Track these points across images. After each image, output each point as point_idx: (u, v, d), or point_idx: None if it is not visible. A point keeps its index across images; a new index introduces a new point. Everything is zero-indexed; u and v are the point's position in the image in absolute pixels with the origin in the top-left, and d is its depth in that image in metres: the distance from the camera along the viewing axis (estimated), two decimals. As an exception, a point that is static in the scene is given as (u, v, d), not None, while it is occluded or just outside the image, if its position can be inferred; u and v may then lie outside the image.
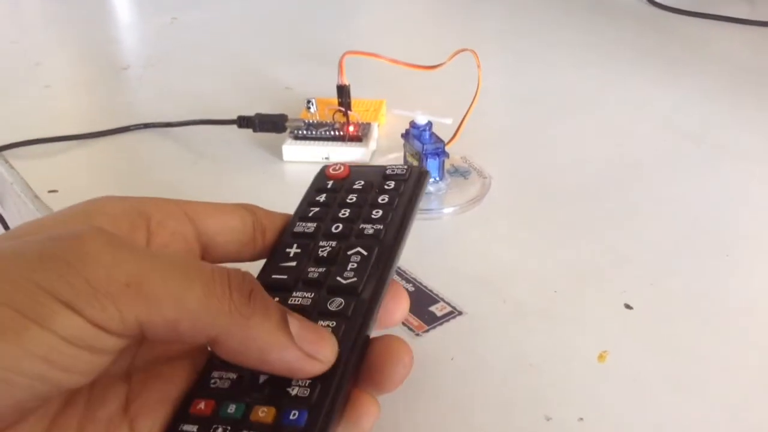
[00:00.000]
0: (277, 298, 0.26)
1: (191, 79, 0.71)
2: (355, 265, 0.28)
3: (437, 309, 0.40)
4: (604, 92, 0.67)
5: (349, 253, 0.29)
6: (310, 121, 0.56)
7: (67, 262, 0.22)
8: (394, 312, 0.28)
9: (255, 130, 0.56)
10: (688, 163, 0.55)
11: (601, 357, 0.37)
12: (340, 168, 0.33)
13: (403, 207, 0.31)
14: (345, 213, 0.31)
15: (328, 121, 0.56)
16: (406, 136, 0.51)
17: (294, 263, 0.29)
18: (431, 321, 0.39)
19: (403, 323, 0.38)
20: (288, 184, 0.53)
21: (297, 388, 0.24)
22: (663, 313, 0.40)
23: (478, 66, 0.53)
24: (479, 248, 0.46)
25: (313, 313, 0.27)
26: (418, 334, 0.38)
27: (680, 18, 0.83)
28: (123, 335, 0.22)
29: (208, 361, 0.26)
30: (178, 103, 0.64)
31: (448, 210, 0.49)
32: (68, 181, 0.53)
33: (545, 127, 0.61)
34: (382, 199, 0.31)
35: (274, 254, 0.29)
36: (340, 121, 0.56)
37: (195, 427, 0.24)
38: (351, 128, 0.55)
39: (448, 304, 0.40)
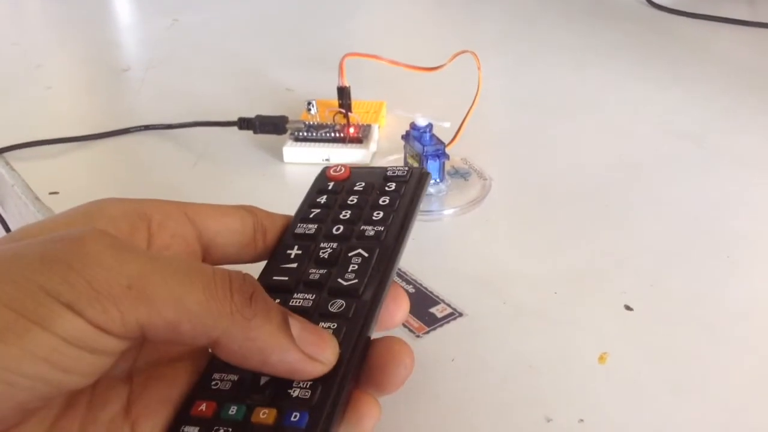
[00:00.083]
0: (278, 300, 0.26)
1: (192, 81, 0.71)
2: (356, 266, 0.28)
3: (438, 310, 0.40)
4: (603, 94, 0.67)
5: (350, 254, 0.29)
6: (311, 122, 0.56)
7: (69, 263, 0.22)
8: (394, 313, 0.29)
9: (255, 132, 0.56)
10: (688, 165, 0.55)
11: (601, 358, 0.37)
12: (340, 169, 0.33)
13: (403, 208, 0.31)
14: (346, 214, 0.31)
15: (329, 123, 0.56)
16: (406, 137, 0.51)
17: (295, 265, 0.29)
18: (432, 322, 0.39)
19: (404, 324, 0.38)
20: (288, 186, 0.53)
21: (298, 390, 0.24)
22: (663, 314, 0.40)
23: (479, 68, 0.53)
24: (479, 250, 0.46)
25: (314, 314, 0.27)
26: (418, 336, 0.38)
27: (680, 19, 0.83)
28: (124, 337, 0.22)
29: (210, 362, 0.26)
30: (179, 105, 0.64)
31: (448, 211, 0.49)
32: (69, 182, 0.53)
33: (545, 129, 0.61)
34: (383, 201, 0.31)
35: (275, 256, 0.29)
36: (341, 123, 0.56)
37: (196, 429, 0.24)
38: (351, 130, 0.55)
39: (449, 305, 0.40)
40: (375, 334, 0.27)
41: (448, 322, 0.39)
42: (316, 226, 0.30)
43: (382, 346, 0.27)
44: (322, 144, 0.55)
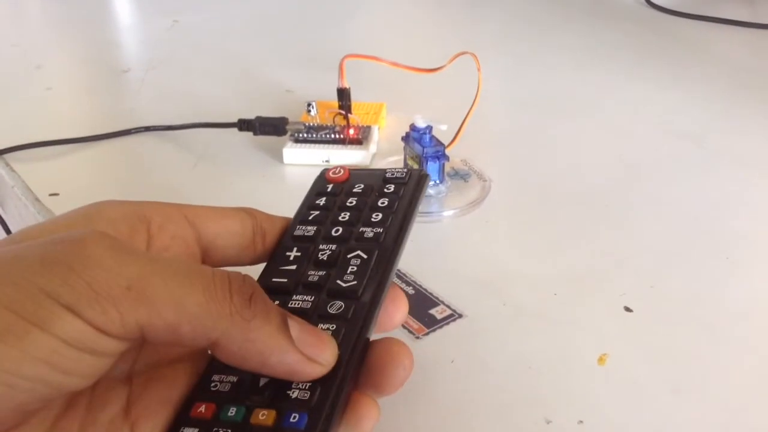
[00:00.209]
0: (277, 302, 0.27)
1: (192, 82, 0.71)
2: (355, 268, 0.28)
3: (437, 312, 0.40)
4: (603, 95, 0.67)
5: (349, 256, 0.29)
6: (311, 124, 0.56)
7: (69, 265, 0.22)
8: (393, 315, 0.29)
9: (255, 133, 0.57)
10: (688, 165, 0.55)
11: (601, 360, 0.37)
12: (340, 171, 0.33)
13: (403, 210, 0.31)
14: (345, 216, 0.31)
15: (329, 124, 0.56)
16: (406, 139, 0.51)
17: (294, 266, 0.29)
18: (431, 324, 0.39)
19: (403, 326, 0.38)
20: (288, 187, 0.53)
21: (297, 391, 0.24)
22: (663, 314, 0.40)
23: (479, 69, 0.53)
24: (479, 251, 0.46)
25: (313, 316, 0.27)
26: (418, 337, 0.38)
27: (679, 20, 0.83)
28: (124, 338, 0.22)
29: (209, 364, 0.26)
30: (179, 106, 0.64)
31: (448, 213, 0.49)
32: (69, 184, 0.53)
33: (545, 129, 0.61)
34: (382, 203, 0.31)
35: (274, 257, 0.30)
36: (341, 124, 0.56)
37: (196, 430, 0.24)
38: (351, 131, 0.55)
39: (448, 306, 0.40)
40: (374, 336, 0.27)
41: (447, 323, 0.39)
42: (315, 227, 0.30)
43: (381, 347, 0.27)
44: (321, 145, 0.55)
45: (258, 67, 0.73)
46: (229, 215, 0.29)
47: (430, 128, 0.49)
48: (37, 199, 0.51)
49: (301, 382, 0.24)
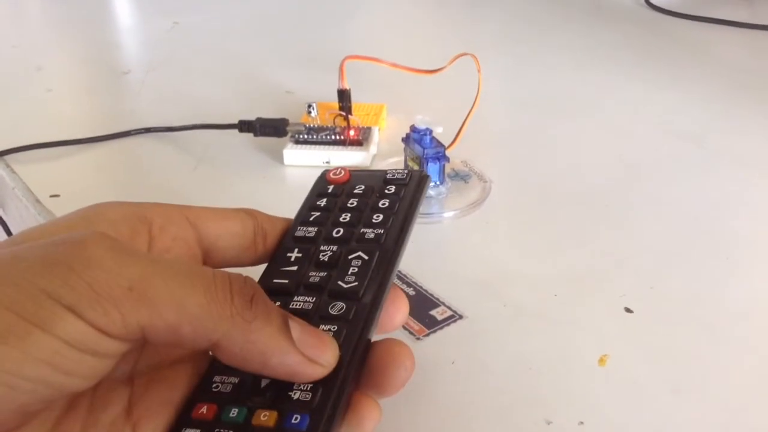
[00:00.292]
0: (278, 303, 0.27)
1: (192, 84, 0.71)
2: (356, 269, 0.28)
3: (438, 313, 0.40)
4: (603, 95, 0.67)
5: (350, 257, 0.29)
6: (311, 125, 0.56)
7: (70, 266, 0.22)
8: (394, 316, 0.29)
9: (256, 135, 0.57)
10: (688, 165, 0.55)
11: (601, 361, 0.37)
12: (340, 172, 0.33)
13: (403, 211, 0.31)
14: (346, 217, 0.31)
15: (329, 126, 0.56)
16: (406, 140, 0.51)
17: (295, 267, 0.29)
18: (432, 325, 0.39)
19: (404, 327, 0.39)
20: (289, 189, 0.53)
21: (299, 392, 0.24)
22: (663, 314, 0.40)
23: (479, 70, 0.53)
24: (480, 252, 0.46)
25: (314, 317, 0.27)
26: (418, 338, 0.38)
27: (679, 21, 0.83)
28: (125, 339, 0.22)
29: (210, 365, 0.26)
30: (179, 108, 0.64)
31: (448, 214, 0.49)
32: (70, 185, 0.53)
33: (545, 129, 0.61)
34: (383, 204, 0.31)
35: (275, 258, 0.30)
36: (341, 126, 0.56)
37: (197, 431, 0.24)
38: (352, 132, 0.55)
39: (449, 307, 0.40)
40: (375, 337, 0.27)
41: (448, 324, 0.39)
42: (316, 228, 0.30)
43: (383, 348, 0.27)
44: (322, 147, 0.55)
45: (258, 68, 0.73)
46: (230, 216, 0.29)
47: (430, 130, 0.49)
48: (37, 201, 0.51)
49: (303, 383, 0.24)
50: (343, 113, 0.56)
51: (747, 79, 0.69)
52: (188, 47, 0.80)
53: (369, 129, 0.56)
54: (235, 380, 0.25)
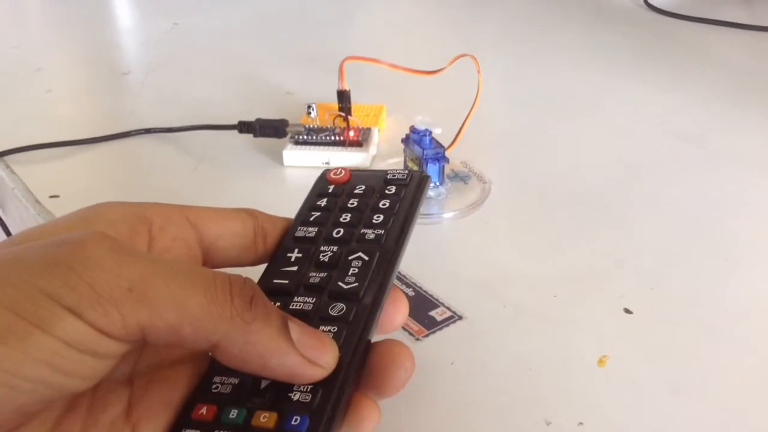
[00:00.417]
0: (278, 303, 0.27)
1: (192, 84, 0.71)
2: (357, 270, 0.28)
3: (437, 313, 0.40)
4: (603, 96, 0.67)
5: (350, 257, 0.29)
6: (311, 126, 0.56)
7: (70, 267, 0.22)
8: (394, 317, 0.29)
9: (255, 135, 0.57)
10: (688, 165, 0.55)
11: (600, 361, 0.37)
12: (341, 172, 0.33)
13: (404, 212, 0.31)
14: (346, 218, 0.31)
15: (329, 126, 0.56)
16: (406, 141, 0.51)
17: (295, 268, 0.29)
18: (431, 325, 0.39)
19: (403, 328, 0.38)
20: (288, 189, 0.53)
21: (298, 394, 0.24)
22: (663, 315, 0.40)
23: (478, 71, 0.53)
24: (479, 253, 0.46)
25: (314, 318, 0.27)
26: (418, 339, 0.38)
27: (679, 22, 0.83)
28: (125, 340, 0.22)
29: (210, 365, 0.26)
30: (179, 108, 0.64)
31: (448, 215, 0.49)
32: (69, 186, 0.53)
33: (545, 130, 0.61)
34: (383, 204, 0.31)
35: (275, 259, 0.30)
36: (341, 126, 0.56)
37: (197, 432, 0.24)
38: (351, 133, 0.55)
39: (448, 308, 0.40)
40: (375, 338, 0.27)
41: (447, 325, 0.39)
42: (316, 229, 0.30)
43: (382, 349, 0.27)
44: (322, 147, 0.55)
45: (258, 69, 0.73)
46: (231, 216, 0.29)
47: (429, 131, 0.49)
48: (37, 201, 0.51)
49: (303, 385, 0.24)
50: (343, 114, 0.56)
51: (747, 79, 0.69)
52: (188, 48, 0.80)
53: (369, 130, 0.56)
54: (235, 381, 0.25)
